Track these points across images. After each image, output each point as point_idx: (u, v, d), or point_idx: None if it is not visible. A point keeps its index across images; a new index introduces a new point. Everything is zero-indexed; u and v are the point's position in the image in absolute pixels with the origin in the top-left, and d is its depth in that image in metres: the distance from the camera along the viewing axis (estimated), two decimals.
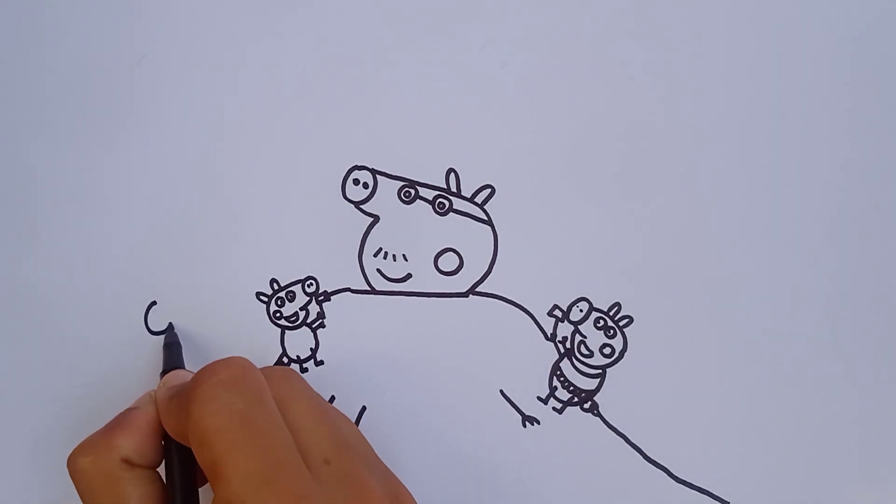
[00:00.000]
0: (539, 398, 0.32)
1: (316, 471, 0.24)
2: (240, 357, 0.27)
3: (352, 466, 0.25)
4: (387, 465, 0.28)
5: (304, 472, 0.24)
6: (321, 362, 0.32)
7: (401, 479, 0.27)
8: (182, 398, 0.26)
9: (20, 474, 0.33)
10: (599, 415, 0.31)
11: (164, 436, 0.28)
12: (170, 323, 0.32)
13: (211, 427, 0.24)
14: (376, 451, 0.28)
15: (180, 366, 0.30)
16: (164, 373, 0.30)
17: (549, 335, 0.32)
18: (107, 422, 0.28)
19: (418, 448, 0.32)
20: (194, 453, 0.24)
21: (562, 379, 0.32)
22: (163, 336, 0.32)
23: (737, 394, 0.31)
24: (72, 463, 0.26)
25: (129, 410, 0.28)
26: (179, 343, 0.31)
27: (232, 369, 0.25)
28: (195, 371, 0.27)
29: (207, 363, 0.26)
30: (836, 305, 0.31)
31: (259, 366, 0.27)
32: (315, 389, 0.30)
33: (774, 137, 0.31)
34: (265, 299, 0.32)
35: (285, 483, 0.23)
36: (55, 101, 0.33)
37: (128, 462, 0.27)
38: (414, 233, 0.32)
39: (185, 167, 0.33)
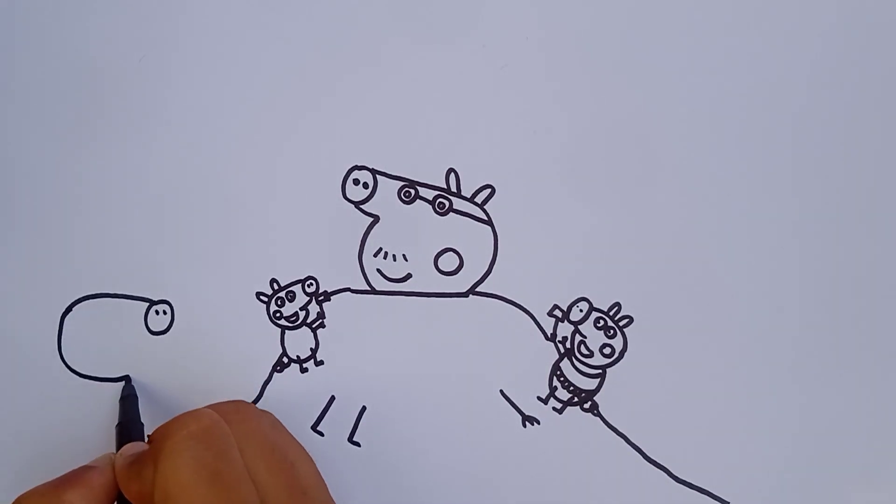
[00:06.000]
0: (539, 398, 0.32)
1: None
2: (208, 409, 0.27)
3: None
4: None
5: None
6: (321, 362, 0.32)
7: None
8: (145, 458, 0.26)
9: (15, 478, 0.33)
10: (599, 415, 0.31)
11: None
12: (127, 375, 0.32)
13: (181, 481, 0.24)
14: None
15: (136, 418, 0.30)
16: (119, 425, 0.30)
17: (549, 335, 0.32)
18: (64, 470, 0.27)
19: (418, 448, 0.32)
20: None
21: (562, 379, 0.32)
22: (161, 333, 0.32)
23: (737, 394, 0.31)
24: None
25: (85, 468, 0.27)
26: (136, 395, 0.31)
27: (202, 422, 0.25)
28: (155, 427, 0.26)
29: (173, 416, 0.26)
30: (836, 305, 0.31)
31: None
32: (274, 412, 0.30)
33: (774, 138, 0.31)
34: (265, 299, 0.32)
35: None
36: (54, 100, 0.33)
37: None
38: (414, 233, 0.32)
39: (185, 167, 0.33)
